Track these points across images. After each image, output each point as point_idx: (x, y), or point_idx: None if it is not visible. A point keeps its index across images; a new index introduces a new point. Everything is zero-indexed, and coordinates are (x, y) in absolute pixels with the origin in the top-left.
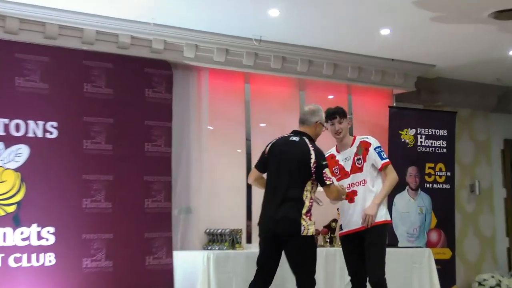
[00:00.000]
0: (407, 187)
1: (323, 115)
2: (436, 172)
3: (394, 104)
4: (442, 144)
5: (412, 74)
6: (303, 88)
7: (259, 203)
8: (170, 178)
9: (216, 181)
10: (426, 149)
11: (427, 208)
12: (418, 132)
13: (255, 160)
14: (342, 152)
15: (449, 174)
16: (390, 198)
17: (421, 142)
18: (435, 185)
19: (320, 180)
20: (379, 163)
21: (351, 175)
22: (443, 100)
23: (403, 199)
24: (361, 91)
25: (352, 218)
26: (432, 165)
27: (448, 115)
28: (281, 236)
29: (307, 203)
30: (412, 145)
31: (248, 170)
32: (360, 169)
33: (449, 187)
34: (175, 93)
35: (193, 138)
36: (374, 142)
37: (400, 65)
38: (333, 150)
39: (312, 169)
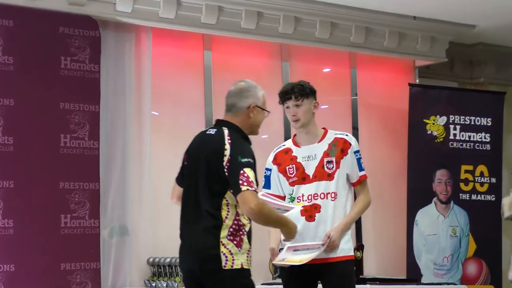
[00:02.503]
0: (434, 199)
1: (260, 94)
2: (476, 178)
3: (417, 80)
4: (485, 138)
5: (442, 38)
6: (288, 58)
7: None
8: (98, 185)
9: (163, 190)
10: (461, 145)
11: (462, 229)
12: (450, 121)
13: None
14: (304, 146)
15: (494, 180)
16: (410, 214)
17: (454, 135)
18: (474, 196)
19: (233, 184)
20: (356, 174)
21: (314, 182)
22: (486, 75)
23: (429, 216)
24: (370, 62)
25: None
26: (470, 167)
27: (493, 96)
28: (198, 274)
29: (228, 222)
30: (441, 139)
31: None
32: (330, 177)
33: (493, 199)
34: (104, 63)
35: (130, 128)
36: (355, 143)
37: (425, 25)
38: (288, 143)
39: (225, 169)
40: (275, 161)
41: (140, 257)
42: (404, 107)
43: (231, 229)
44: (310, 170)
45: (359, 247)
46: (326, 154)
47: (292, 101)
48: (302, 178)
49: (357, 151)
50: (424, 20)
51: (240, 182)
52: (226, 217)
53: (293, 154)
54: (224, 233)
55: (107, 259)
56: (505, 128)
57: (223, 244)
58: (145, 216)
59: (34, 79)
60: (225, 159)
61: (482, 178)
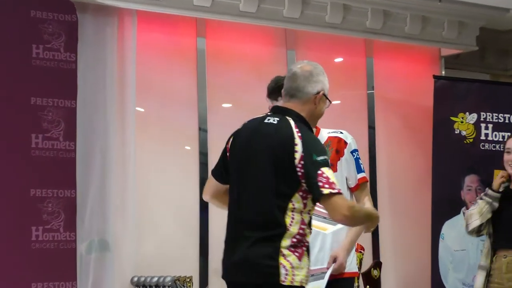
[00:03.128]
0: (463, 209)
1: (327, 82)
2: None
3: (443, 72)
4: None
5: (472, 23)
6: (293, 46)
7: (222, 231)
8: (74, 192)
9: (150, 198)
10: (494, 146)
11: None
12: (481, 119)
13: (214, 163)
14: None
15: None
16: (435, 226)
17: (486, 135)
18: None
19: (311, 187)
20: (355, 177)
21: None
22: None
23: (456, 229)
24: (389, 50)
25: (319, 255)
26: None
27: None
28: None
29: (293, 230)
30: (471, 140)
31: (203, 179)
32: None
33: None
34: (81, 52)
35: (112, 127)
36: (351, 141)
37: (452, 8)
38: None
39: (298, 168)
40: None
41: (123, 276)
42: (428, 103)
43: (295, 239)
44: None
45: (376, 264)
46: None
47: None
48: None
49: (355, 150)
50: (451, 2)
51: (320, 184)
52: (290, 224)
53: None
54: (286, 242)
55: (84, 278)
56: None
57: (283, 255)
58: (128, 228)
59: (0, 71)
60: (297, 156)
61: None
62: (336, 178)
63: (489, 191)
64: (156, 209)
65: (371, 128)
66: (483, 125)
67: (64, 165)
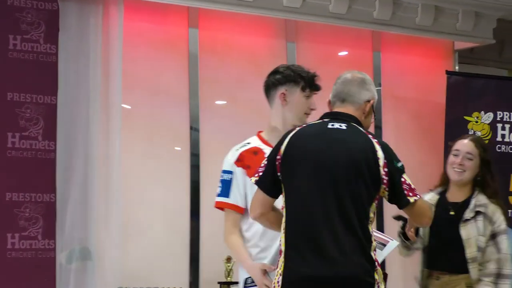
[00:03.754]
0: None
1: (376, 92)
2: None
3: (457, 67)
4: None
5: (489, 14)
6: (294, 38)
7: (214, 240)
8: (54, 197)
9: (136, 203)
10: None
11: None
12: (498, 119)
13: (207, 165)
14: None
15: None
16: None
17: (503, 136)
18: None
19: (398, 197)
20: None
21: None
22: None
23: None
24: (398, 43)
25: None
26: None
27: None
28: None
29: (374, 243)
30: (487, 141)
31: (194, 182)
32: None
33: None
34: (63, 43)
35: (95, 125)
36: None
37: None
38: (255, 141)
39: (383, 176)
40: (240, 162)
41: (106, 287)
42: (441, 101)
43: (375, 250)
44: None
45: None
46: None
47: (315, 91)
48: None
49: None
50: None
51: (406, 192)
52: (371, 235)
53: (265, 156)
54: (373, 255)
55: None
56: None
57: (376, 271)
58: (112, 236)
59: None
60: (381, 163)
61: None
62: None
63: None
64: (142, 215)
65: (378, 128)
66: (499, 125)
67: (43, 167)
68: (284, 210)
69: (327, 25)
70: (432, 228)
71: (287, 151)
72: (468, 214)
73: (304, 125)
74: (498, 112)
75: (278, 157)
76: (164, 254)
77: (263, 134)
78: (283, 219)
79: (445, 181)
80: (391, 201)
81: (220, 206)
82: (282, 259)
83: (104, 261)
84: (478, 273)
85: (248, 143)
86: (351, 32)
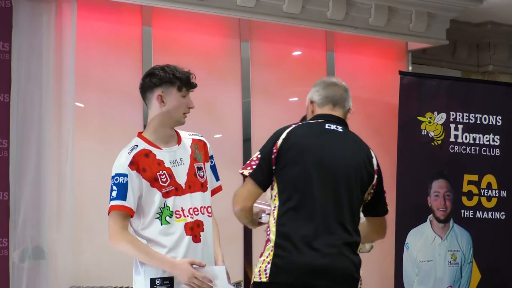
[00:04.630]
0: (429, 217)
1: None
2: (482, 191)
3: (410, 68)
4: (494, 140)
5: (442, 15)
6: (248, 37)
7: None
8: (7, 195)
9: (89, 202)
10: (464, 149)
11: (464, 255)
12: (451, 119)
13: None
14: (165, 148)
15: (504, 194)
16: (400, 235)
17: (456, 136)
18: (479, 214)
19: (380, 202)
20: (214, 184)
21: (187, 194)
22: (496, 62)
23: (422, 238)
24: (351, 43)
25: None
26: (475, 177)
27: (504, 89)
28: None
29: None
30: (440, 142)
31: None
32: (204, 187)
33: (503, 216)
34: (16, 41)
35: (48, 123)
36: (209, 146)
37: None
38: (141, 144)
39: (373, 184)
40: (134, 165)
41: (59, 286)
42: (394, 101)
43: (360, 250)
44: (181, 179)
45: None
46: (193, 158)
47: (191, 89)
48: (176, 189)
49: (212, 156)
50: None
51: (385, 202)
52: (359, 236)
53: (158, 158)
54: (358, 254)
55: None
56: None
57: (360, 268)
58: (65, 235)
59: None
60: (375, 170)
61: (490, 191)
62: (208, 183)
63: None
64: (95, 215)
65: None
66: (452, 125)
67: None
68: (276, 201)
69: (281, 25)
70: None
71: (283, 145)
72: None
73: (300, 124)
74: (451, 113)
75: (274, 150)
76: (117, 253)
77: (146, 135)
78: (275, 210)
79: None
80: (370, 206)
81: (116, 210)
82: (271, 247)
83: (57, 260)
84: None
85: (136, 145)
86: (305, 32)
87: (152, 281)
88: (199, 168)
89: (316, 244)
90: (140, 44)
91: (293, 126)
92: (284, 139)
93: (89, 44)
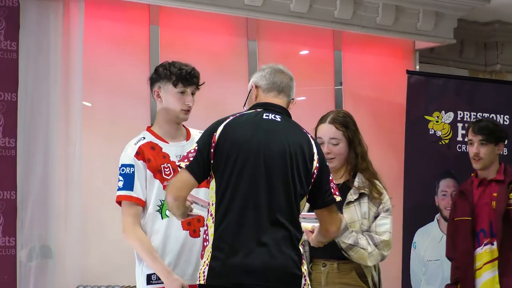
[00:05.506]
0: (437, 216)
1: None
2: None
3: (417, 67)
4: None
5: (450, 14)
6: (255, 36)
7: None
8: (14, 194)
9: (96, 201)
10: None
11: None
12: (458, 118)
13: None
14: (172, 143)
15: None
16: (407, 234)
17: (463, 135)
18: None
19: (324, 194)
20: None
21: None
22: (504, 61)
23: (430, 237)
24: (359, 43)
25: (191, 262)
26: None
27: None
28: None
29: (302, 236)
30: (447, 141)
31: None
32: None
33: None
34: (23, 40)
35: (56, 122)
36: None
37: None
38: (149, 136)
39: (314, 173)
40: (140, 155)
41: (66, 285)
42: (401, 100)
43: (303, 244)
44: None
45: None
46: None
47: (193, 87)
48: None
49: None
50: None
51: (332, 190)
52: (301, 228)
53: (164, 151)
54: (301, 249)
55: (24, 286)
56: None
57: (302, 263)
58: (72, 234)
59: None
60: (316, 159)
61: None
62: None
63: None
64: (103, 214)
65: None
66: (460, 125)
67: (4, 164)
68: (213, 198)
69: (288, 24)
70: None
71: (220, 139)
72: (351, 196)
73: (238, 114)
74: (459, 112)
75: (213, 144)
76: (124, 252)
77: (154, 129)
78: (213, 208)
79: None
80: (313, 198)
81: (123, 200)
82: (209, 249)
83: (65, 259)
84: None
85: (143, 137)
86: (312, 31)
87: (148, 277)
88: None
89: (251, 243)
90: (148, 43)
91: (230, 118)
92: (221, 132)
93: (97, 43)
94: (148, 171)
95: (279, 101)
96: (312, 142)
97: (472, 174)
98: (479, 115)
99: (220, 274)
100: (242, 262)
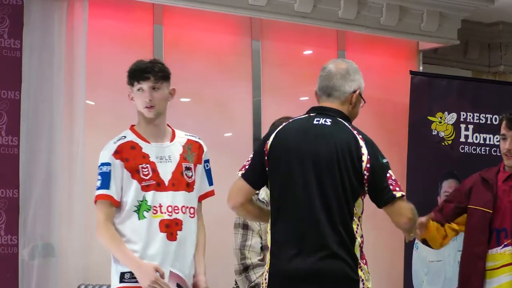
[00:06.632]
0: None
1: (362, 79)
2: None
3: (421, 68)
4: None
5: (454, 15)
6: (259, 36)
7: None
8: (17, 192)
9: None
10: (475, 149)
11: None
12: (461, 119)
13: None
14: (154, 143)
15: None
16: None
17: (466, 136)
18: None
19: (381, 193)
20: (205, 188)
21: (170, 191)
22: (507, 62)
23: None
24: (362, 43)
25: (166, 264)
26: None
27: None
28: None
29: (359, 239)
30: (450, 142)
31: None
32: (190, 187)
33: None
34: (27, 39)
35: (59, 121)
36: (206, 149)
37: None
38: (131, 135)
39: (364, 173)
40: (118, 154)
41: (69, 284)
42: (404, 101)
43: (360, 247)
44: (165, 175)
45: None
46: (183, 158)
47: (150, 82)
48: (157, 184)
49: (208, 160)
50: None
51: (391, 187)
52: (356, 232)
53: (143, 151)
54: (358, 252)
55: (27, 286)
56: None
57: (360, 267)
58: (75, 232)
59: None
60: (364, 159)
61: None
62: (197, 185)
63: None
64: None
65: None
66: (463, 125)
67: (7, 162)
68: (270, 205)
69: (292, 24)
70: None
71: (273, 146)
72: None
73: (290, 121)
74: (462, 113)
75: (266, 151)
76: None
77: (136, 128)
78: (271, 215)
79: None
80: (373, 198)
81: (100, 199)
82: (268, 256)
83: (67, 258)
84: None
85: (124, 136)
86: (316, 31)
87: (122, 275)
88: (188, 168)
89: (304, 249)
90: (151, 42)
91: (283, 124)
92: (273, 140)
93: (100, 42)
94: (125, 170)
95: (330, 104)
96: (361, 143)
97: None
98: (482, 116)
99: (277, 280)
100: (298, 267)
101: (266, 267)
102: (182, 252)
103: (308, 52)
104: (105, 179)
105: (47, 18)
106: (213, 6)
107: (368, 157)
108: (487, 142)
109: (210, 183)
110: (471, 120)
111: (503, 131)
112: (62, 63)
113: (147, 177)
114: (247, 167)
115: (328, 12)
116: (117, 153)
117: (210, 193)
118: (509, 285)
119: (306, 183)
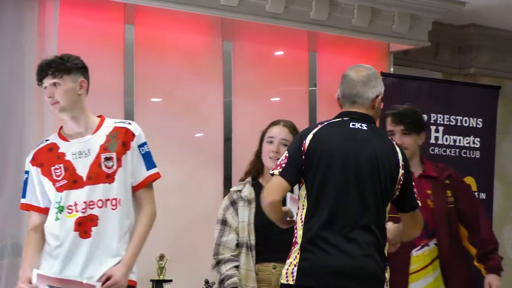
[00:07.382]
0: None
1: (381, 83)
2: None
3: (392, 69)
4: (474, 143)
5: (425, 17)
6: (230, 36)
7: (150, 239)
8: None
9: None
10: (445, 151)
11: None
12: (431, 121)
13: None
14: (73, 140)
15: (483, 196)
16: None
17: (436, 138)
18: None
19: (410, 199)
20: (141, 175)
21: (87, 186)
22: (478, 64)
23: None
24: (334, 44)
25: (79, 263)
26: None
27: (485, 91)
28: None
29: (386, 242)
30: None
31: None
32: (110, 178)
33: None
34: None
35: (30, 121)
36: (139, 133)
37: (403, 0)
38: (53, 137)
39: (400, 179)
40: (34, 161)
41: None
42: None
43: (386, 250)
44: (82, 170)
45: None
46: (103, 148)
47: (49, 78)
48: (73, 181)
49: (144, 144)
50: None
51: (416, 195)
52: (385, 235)
53: (60, 151)
54: (386, 254)
55: None
56: (498, 130)
57: (386, 269)
58: None
59: None
60: (401, 166)
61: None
62: (121, 173)
63: None
64: None
65: None
66: (433, 127)
67: None
68: (304, 202)
69: (264, 25)
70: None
71: (310, 147)
72: None
73: (326, 123)
74: (432, 115)
75: (303, 150)
76: None
77: (62, 129)
78: (303, 211)
79: (255, 170)
80: (398, 202)
81: (22, 209)
82: (297, 250)
83: None
84: None
85: (47, 139)
86: (287, 32)
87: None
88: (108, 159)
89: (341, 246)
90: (123, 42)
91: (319, 126)
92: (311, 140)
93: (72, 42)
94: (41, 176)
95: (356, 110)
96: (398, 149)
97: None
98: (453, 117)
99: (310, 274)
100: (332, 264)
101: (294, 261)
102: (100, 248)
103: (279, 53)
104: (24, 188)
105: (18, 17)
106: (184, 6)
107: (403, 163)
108: (457, 143)
109: (149, 167)
110: (442, 122)
111: (389, 127)
112: (33, 63)
113: (59, 178)
114: (283, 165)
115: (299, 13)
116: (33, 160)
117: (153, 177)
118: (435, 284)
119: (346, 184)
